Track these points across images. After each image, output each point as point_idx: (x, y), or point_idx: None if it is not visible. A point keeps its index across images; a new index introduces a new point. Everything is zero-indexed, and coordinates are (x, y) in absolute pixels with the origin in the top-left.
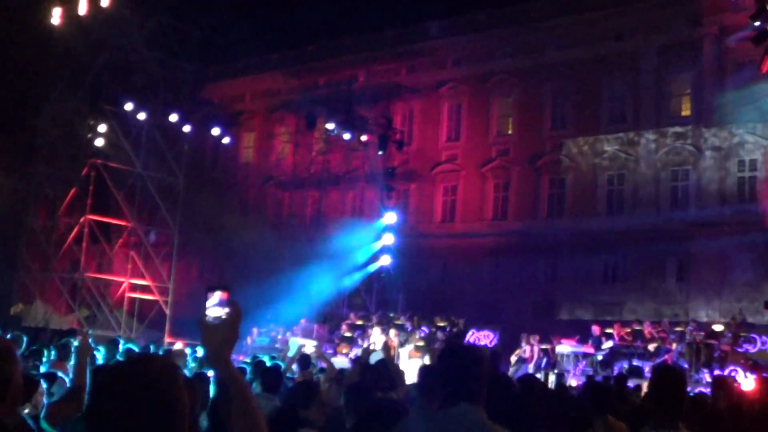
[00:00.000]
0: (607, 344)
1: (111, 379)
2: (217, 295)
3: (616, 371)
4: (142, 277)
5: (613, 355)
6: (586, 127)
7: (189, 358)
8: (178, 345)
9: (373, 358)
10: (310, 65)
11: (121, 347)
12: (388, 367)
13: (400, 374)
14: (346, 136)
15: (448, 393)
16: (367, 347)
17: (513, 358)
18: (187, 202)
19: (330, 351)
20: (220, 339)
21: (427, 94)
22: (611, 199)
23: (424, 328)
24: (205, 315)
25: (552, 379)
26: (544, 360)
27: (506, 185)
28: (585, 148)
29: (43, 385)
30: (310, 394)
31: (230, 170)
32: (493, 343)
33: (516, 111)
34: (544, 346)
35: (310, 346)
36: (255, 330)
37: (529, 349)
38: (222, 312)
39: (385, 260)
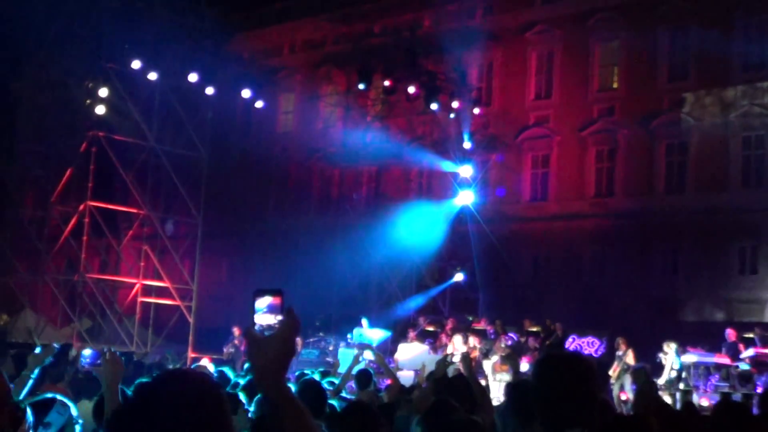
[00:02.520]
0: (747, 353)
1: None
2: (266, 301)
3: (759, 388)
4: (159, 278)
5: (755, 367)
6: (714, 77)
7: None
8: (204, 361)
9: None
10: (362, 8)
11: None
12: (469, 383)
13: (484, 392)
14: (411, 92)
15: (555, 416)
16: (444, 358)
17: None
18: (212, 184)
19: (393, 365)
20: (272, 355)
21: (511, 41)
22: (748, 168)
23: (511, 334)
24: (254, 324)
25: (678, 397)
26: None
27: (612, 153)
28: (712, 103)
29: (30, 417)
30: (368, 420)
31: (265, 142)
32: (599, 353)
33: (623, 59)
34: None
35: (367, 354)
36: (300, 340)
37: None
38: (274, 320)
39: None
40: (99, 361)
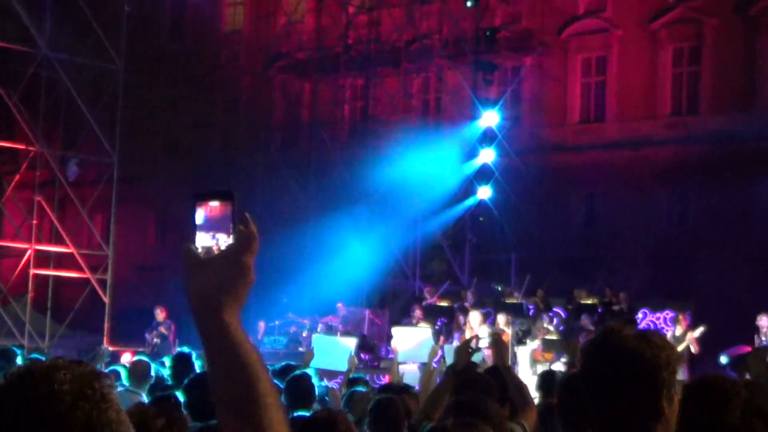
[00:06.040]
0: None
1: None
2: (211, 213)
3: None
4: (59, 241)
5: None
6: None
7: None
8: (126, 357)
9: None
10: None
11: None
12: (504, 377)
13: (524, 391)
14: None
15: (604, 422)
16: (466, 344)
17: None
18: (132, 108)
19: (393, 356)
20: (218, 281)
21: None
22: None
23: (557, 309)
24: (192, 245)
25: None
26: None
27: (695, 53)
28: None
29: None
30: None
31: (206, 48)
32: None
33: None
34: None
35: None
36: (262, 325)
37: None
38: (222, 240)
39: (484, 193)
40: None
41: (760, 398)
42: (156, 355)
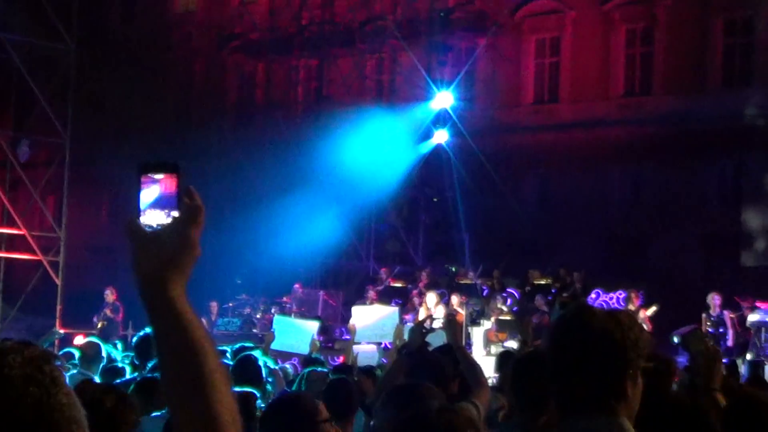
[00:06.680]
0: None
1: None
2: (155, 188)
3: None
4: (10, 223)
5: None
6: None
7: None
8: (79, 339)
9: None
10: None
11: None
12: (457, 357)
13: (477, 370)
14: None
15: (568, 400)
16: (420, 324)
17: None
18: (85, 88)
19: (347, 337)
20: (164, 255)
21: None
22: None
23: (511, 290)
24: (137, 218)
25: (743, 369)
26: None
27: (648, 34)
28: None
29: None
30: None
31: (159, 28)
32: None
33: None
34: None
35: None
36: (215, 305)
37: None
38: (166, 215)
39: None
40: None
41: None
42: (104, 337)
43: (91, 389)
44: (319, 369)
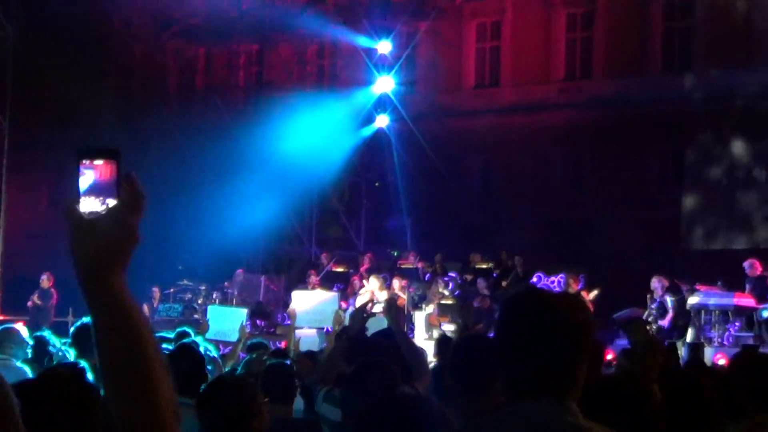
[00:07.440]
0: None
1: None
2: (90, 174)
3: None
4: None
5: None
6: None
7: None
8: (18, 326)
9: (372, 327)
10: None
11: None
12: (398, 341)
13: (418, 354)
14: None
15: (516, 382)
16: (361, 308)
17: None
18: (24, 74)
19: (289, 322)
20: (103, 242)
21: None
22: None
23: (452, 274)
24: (76, 204)
25: (683, 351)
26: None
27: (588, 18)
28: None
29: None
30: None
31: (99, 12)
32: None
33: None
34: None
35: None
36: (157, 291)
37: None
38: (101, 202)
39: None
40: None
41: None
42: (34, 324)
43: (56, 372)
44: (258, 355)
